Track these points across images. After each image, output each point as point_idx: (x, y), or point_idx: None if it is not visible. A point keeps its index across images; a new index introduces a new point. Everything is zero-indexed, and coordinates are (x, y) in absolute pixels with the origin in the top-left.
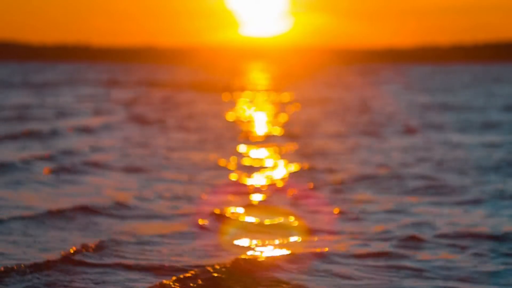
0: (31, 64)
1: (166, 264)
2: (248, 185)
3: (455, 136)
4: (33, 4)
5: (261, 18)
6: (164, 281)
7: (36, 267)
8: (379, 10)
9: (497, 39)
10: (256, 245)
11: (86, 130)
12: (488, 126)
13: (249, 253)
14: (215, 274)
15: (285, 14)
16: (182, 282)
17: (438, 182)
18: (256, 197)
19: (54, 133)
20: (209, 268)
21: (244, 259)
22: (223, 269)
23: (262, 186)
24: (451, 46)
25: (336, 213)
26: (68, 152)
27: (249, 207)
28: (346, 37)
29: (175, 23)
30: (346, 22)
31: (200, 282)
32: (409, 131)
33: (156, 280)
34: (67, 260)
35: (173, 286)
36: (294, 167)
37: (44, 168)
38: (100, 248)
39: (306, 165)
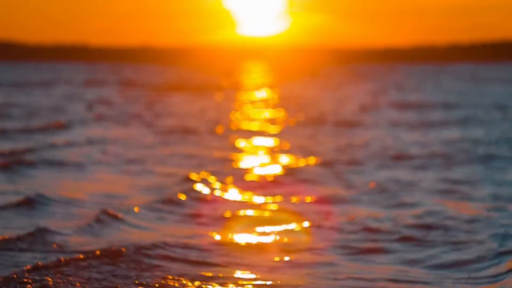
0: (29, 65)
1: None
2: (233, 182)
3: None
4: (31, 4)
5: (259, 17)
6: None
7: None
8: (376, 10)
9: (495, 39)
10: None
11: (44, 129)
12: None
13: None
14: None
15: (282, 14)
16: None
17: (426, 179)
18: (242, 193)
19: (3, 132)
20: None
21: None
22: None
23: (248, 182)
24: (450, 45)
25: (327, 210)
26: (18, 150)
27: (230, 203)
28: (343, 37)
29: (173, 23)
30: (343, 22)
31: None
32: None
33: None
34: None
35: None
36: (280, 162)
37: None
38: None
39: (295, 160)
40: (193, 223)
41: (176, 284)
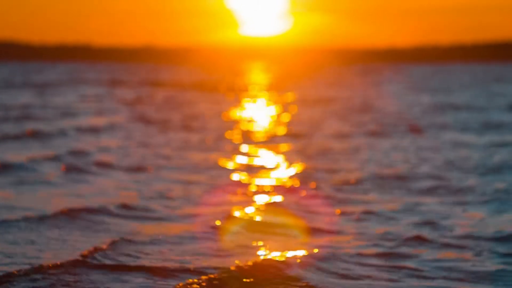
0: (32, 64)
1: (170, 266)
2: (251, 186)
3: (458, 136)
4: (33, 4)
5: (261, 17)
6: (177, 285)
7: (42, 269)
8: (379, 10)
9: (497, 39)
10: (261, 247)
11: (90, 130)
12: (490, 126)
13: (254, 254)
14: (223, 276)
15: (285, 14)
16: (191, 286)
17: (442, 182)
18: (259, 198)
19: (58, 133)
20: (215, 271)
21: (252, 261)
22: (230, 272)
23: (265, 186)
24: (452, 45)
25: (339, 213)
26: (73, 152)
27: (253, 208)
28: (346, 37)
29: (175, 23)
30: (346, 22)
31: (207, 285)
32: (413, 130)
33: (161, 283)
34: (73, 261)
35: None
36: (296, 167)
37: (49, 168)
38: (105, 249)
39: (309, 165)
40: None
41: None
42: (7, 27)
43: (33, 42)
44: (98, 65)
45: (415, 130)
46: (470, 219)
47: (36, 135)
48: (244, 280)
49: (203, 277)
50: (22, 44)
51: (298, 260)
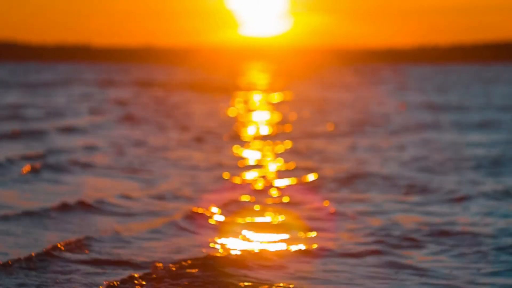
0: (31, 65)
1: (140, 259)
2: (239, 184)
3: (448, 135)
4: (33, 4)
5: (261, 18)
6: (133, 275)
7: (15, 264)
8: (378, 10)
9: (496, 39)
10: (236, 243)
11: (76, 130)
12: (482, 126)
13: (224, 250)
14: (186, 270)
15: (285, 14)
16: (149, 276)
17: (435, 182)
18: (248, 197)
19: (44, 133)
20: (179, 264)
21: (215, 256)
22: (192, 264)
23: (253, 184)
24: (451, 46)
25: (332, 212)
26: (56, 151)
27: (237, 205)
28: (346, 37)
29: (175, 23)
30: (346, 22)
31: (167, 276)
32: (401, 130)
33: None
34: (46, 257)
35: (139, 280)
36: (287, 166)
37: (27, 167)
38: (78, 244)
39: (300, 164)
40: None
41: None
42: (6, 27)
43: (32, 42)
44: (97, 66)
45: (405, 130)
46: (468, 218)
47: (21, 135)
48: (226, 278)
49: (145, 272)
50: (22, 44)
51: (291, 259)
